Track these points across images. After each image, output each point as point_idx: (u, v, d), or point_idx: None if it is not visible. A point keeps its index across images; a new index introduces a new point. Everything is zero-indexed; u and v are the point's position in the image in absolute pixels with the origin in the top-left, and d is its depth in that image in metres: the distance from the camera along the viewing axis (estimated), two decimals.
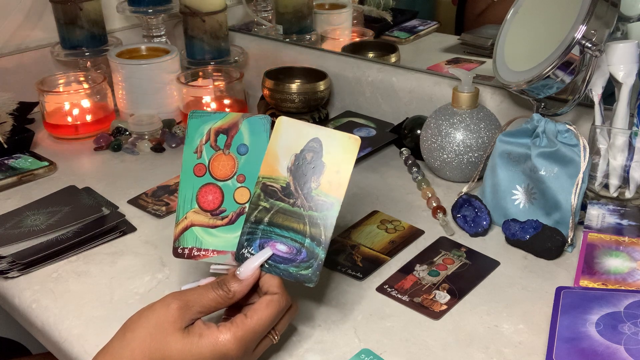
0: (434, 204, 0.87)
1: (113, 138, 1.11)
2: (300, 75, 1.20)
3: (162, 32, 1.30)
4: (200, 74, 1.19)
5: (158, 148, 1.08)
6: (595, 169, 0.84)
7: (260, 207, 0.62)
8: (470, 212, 0.84)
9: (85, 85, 1.16)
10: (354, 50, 1.28)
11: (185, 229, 0.64)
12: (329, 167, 0.61)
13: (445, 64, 1.16)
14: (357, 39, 1.38)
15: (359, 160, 1.02)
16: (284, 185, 0.62)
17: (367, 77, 1.16)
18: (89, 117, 1.13)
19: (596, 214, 0.81)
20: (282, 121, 0.63)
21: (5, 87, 1.15)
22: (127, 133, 1.12)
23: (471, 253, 0.79)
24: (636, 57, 0.80)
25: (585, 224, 0.80)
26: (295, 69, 1.21)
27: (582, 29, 0.76)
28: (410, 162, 0.99)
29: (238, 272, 0.59)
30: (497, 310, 0.69)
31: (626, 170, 0.82)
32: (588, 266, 0.72)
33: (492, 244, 0.81)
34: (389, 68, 1.15)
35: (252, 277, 0.59)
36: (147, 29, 1.30)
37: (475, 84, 0.94)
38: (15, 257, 0.77)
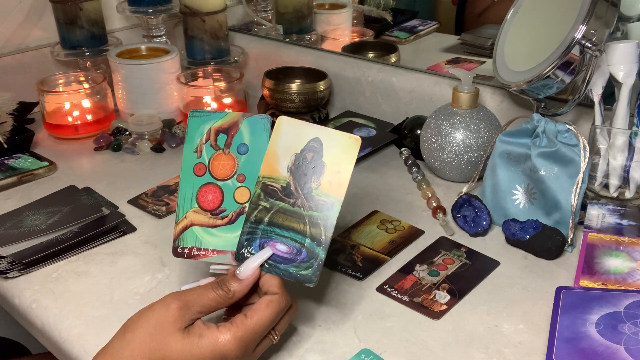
0: (434, 204, 0.87)
1: (113, 138, 1.11)
2: (300, 75, 1.20)
3: (162, 32, 1.31)
4: (200, 74, 1.19)
5: (158, 148, 1.08)
6: (595, 169, 0.84)
7: (261, 207, 0.62)
8: (470, 212, 0.84)
9: (85, 85, 1.16)
10: (354, 50, 1.28)
11: (185, 228, 0.64)
12: (329, 167, 0.61)
13: (445, 64, 1.16)
14: (357, 39, 1.38)
15: (359, 160, 1.02)
16: (284, 185, 0.62)
17: (367, 77, 1.16)
18: (89, 117, 1.13)
19: (596, 214, 0.81)
20: (283, 121, 0.63)
21: (5, 87, 1.15)
22: (127, 133, 1.12)
23: (471, 253, 0.79)
24: (636, 57, 0.80)
25: (585, 224, 0.80)
26: (295, 69, 1.21)
27: (582, 29, 0.76)
28: (410, 162, 0.99)
29: (238, 272, 0.59)
30: (497, 310, 0.69)
31: (626, 170, 0.82)
32: (588, 266, 0.72)
33: (492, 244, 0.81)
34: (389, 68, 1.15)
35: (252, 277, 0.59)
36: (147, 29, 1.30)
37: (475, 84, 0.94)
38: (15, 257, 0.77)
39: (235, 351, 0.55)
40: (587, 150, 0.77)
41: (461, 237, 0.82)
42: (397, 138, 1.07)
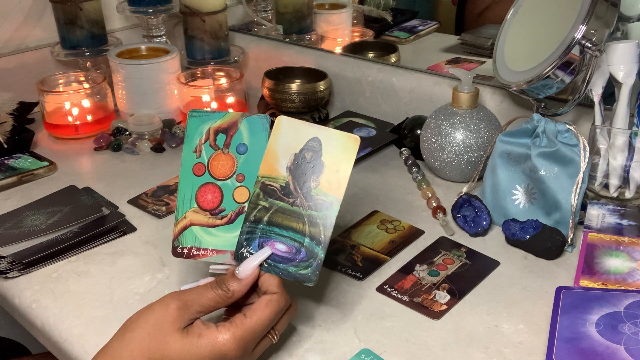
0: (434, 204, 0.87)
1: (113, 138, 1.11)
2: (300, 75, 1.20)
3: (162, 32, 1.31)
4: (200, 74, 1.19)
5: (158, 148, 1.08)
6: (595, 169, 0.84)
7: (260, 207, 0.62)
8: (470, 212, 0.84)
9: (85, 85, 1.16)
10: (354, 50, 1.28)
11: (185, 228, 0.64)
12: (328, 166, 0.61)
13: (445, 64, 1.16)
14: (357, 39, 1.38)
15: (359, 160, 1.02)
16: (284, 184, 0.62)
17: (367, 77, 1.16)
18: (89, 117, 1.13)
19: (596, 214, 0.81)
20: (282, 120, 0.63)
21: (5, 87, 1.15)
22: (127, 133, 1.12)
23: (471, 253, 0.79)
24: (636, 57, 0.79)
25: (585, 224, 0.80)
26: (295, 69, 1.21)
27: (582, 29, 0.76)
28: (410, 162, 0.99)
29: (237, 272, 0.59)
30: (497, 310, 0.69)
31: (626, 170, 0.82)
32: (588, 266, 0.72)
33: (492, 244, 0.81)
34: (389, 68, 1.15)
35: (251, 277, 0.59)
36: (147, 29, 1.30)
37: (475, 84, 0.94)
38: (15, 257, 0.77)
39: (234, 351, 0.55)
40: (587, 150, 0.77)
41: (461, 237, 0.82)
42: (397, 138, 1.07)
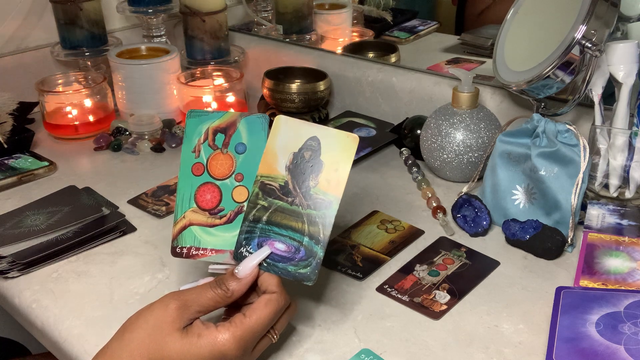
0: (434, 204, 0.87)
1: (113, 138, 1.11)
2: (300, 75, 1.20)
3: (162, 32, 1.31)
4: (200, 74, 1.19)
5: (158, 148, 1.08)
6: (595, 169, 0.84)
7: (259, 206, 0.62)
8: (470, 212, 0.83)
9: (86, 85, 1.16)
10: (354, 50, 1.28)
11: (184, 228, 0.64)
12: (327, 165, 0.61)
13: (445, 64, 1.16)
14: (357, 39, 1.38)
15: (359, 160, 1.02)
16: (283, 183, 0.62)
17: (367, 77, 1.16)
18: (89, 117, 1.13)
19: (596, 214, 0.81)
20: (281, 120, 0.63)
21: (5, 87, 1.15)
22: (127, 133, 1.12)
23: (471, 253, 0.79)
24: (636, 57, 0.79)
25: (585, 224, 0.80)
26: (295, 69, 1.21)
27: (582, 29, 0.76)
28: (410, 162, 0.99)
29: (236, 271, 0.59)
30: (497, 310, 0.69)
31: (626, 170, 0.82)
32: (588, 266, 0.72)
33: (492, 244, 0.81)
34: (389, 68, 1.15)
35: (250, 276, 0.59)
36: (147, 29, 1.30)
37: (475, 84, 0.94)
38: (15, 257, 0.77)
39: (234, 350, 0.55)
40: (587, 150, 0.77)
41: (461, 237, 0.82)
42: (397, 138, 1.07)
